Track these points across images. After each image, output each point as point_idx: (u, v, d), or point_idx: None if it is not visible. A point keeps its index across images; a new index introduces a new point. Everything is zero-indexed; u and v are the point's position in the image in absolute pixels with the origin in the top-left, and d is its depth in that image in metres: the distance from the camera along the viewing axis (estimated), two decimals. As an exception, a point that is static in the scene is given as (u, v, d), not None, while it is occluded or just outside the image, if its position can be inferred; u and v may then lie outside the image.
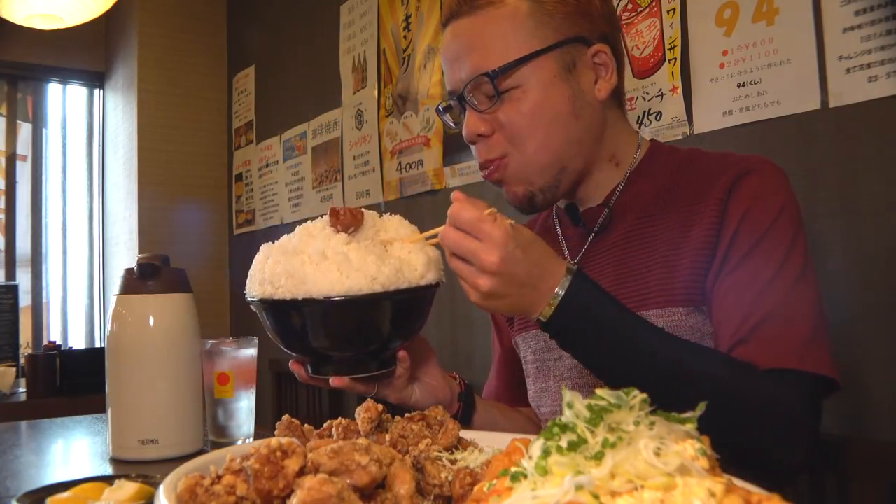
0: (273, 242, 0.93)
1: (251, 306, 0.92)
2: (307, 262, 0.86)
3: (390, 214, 0.96)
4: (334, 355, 0.93)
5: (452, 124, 1.09)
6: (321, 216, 0.93)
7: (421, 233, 0.92)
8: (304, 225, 0.92)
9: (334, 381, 0.93)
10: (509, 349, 1.21)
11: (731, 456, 0.85)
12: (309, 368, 0.96)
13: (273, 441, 0.52)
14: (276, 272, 0.87)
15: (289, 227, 0.92)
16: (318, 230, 0.90)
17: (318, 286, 0.84)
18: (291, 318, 0.88)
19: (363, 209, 0.91)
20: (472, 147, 1.03)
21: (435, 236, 0.89)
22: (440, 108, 1.09)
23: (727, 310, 0.90)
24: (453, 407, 1.04)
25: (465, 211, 0.79)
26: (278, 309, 0.88)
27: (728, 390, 0.84)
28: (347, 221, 0.89)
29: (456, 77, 1.00)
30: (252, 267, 0.92)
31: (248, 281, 0.93)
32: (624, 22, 1.82)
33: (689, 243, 0.93)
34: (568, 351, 0.88)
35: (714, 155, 1.01)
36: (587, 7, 0.99)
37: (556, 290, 0.81)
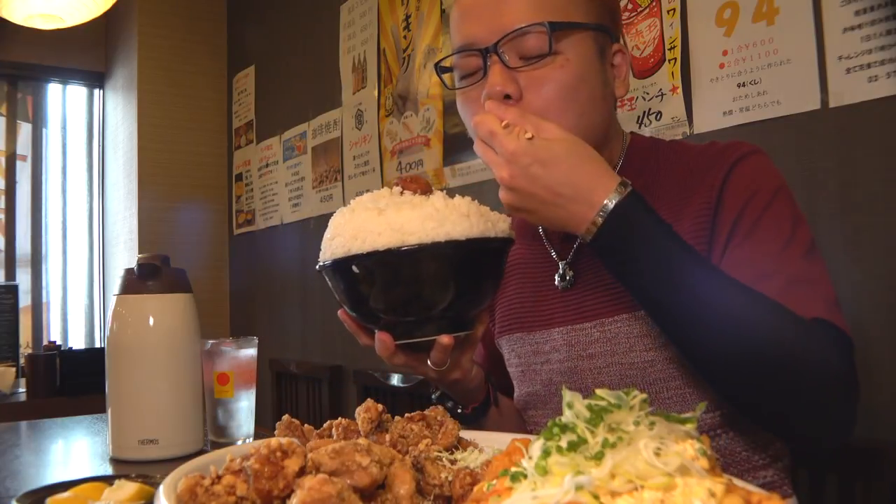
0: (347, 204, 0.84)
1: (354, 266, 0.80)
2: (434, 207, 0.79)
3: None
4: (454, 306, 0.84)
5: (449, 85, 0.99)
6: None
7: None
8: (370, 194, 0.84)
9: (444, 339, 0.84)
10: (492, 348, 1.17)
11: (781, 415, 0.79)
12: (401, 332, 0.86)
13: (273, 441, 0.52)
14: (402, 218, 0.79)
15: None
16: (394, 195, 0.84)
17: (457, 227, 0.79)
18: (427, 266, 0.80)
19: None
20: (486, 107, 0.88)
21: None
22: (439, 65, 0.99)
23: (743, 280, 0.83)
24: (484, 389, 1.01)
25: (484, 123, 0.79)
26: (413, 257, 0.78)
27: (787, 337, 0.78)
28: (424, 186, 0.84)
29: (493, 23, 0.88)
30: (338, 226, 0.82)
31: (332, 242, 0.82)
32: (624, 22, 1.82)
33: (682, 233, 0.89)
34: (613, 275, 0.84)
35: (697, 148, 0.98)
36: (613, 4, 0.96)
37: (596, 214, 0.77)
